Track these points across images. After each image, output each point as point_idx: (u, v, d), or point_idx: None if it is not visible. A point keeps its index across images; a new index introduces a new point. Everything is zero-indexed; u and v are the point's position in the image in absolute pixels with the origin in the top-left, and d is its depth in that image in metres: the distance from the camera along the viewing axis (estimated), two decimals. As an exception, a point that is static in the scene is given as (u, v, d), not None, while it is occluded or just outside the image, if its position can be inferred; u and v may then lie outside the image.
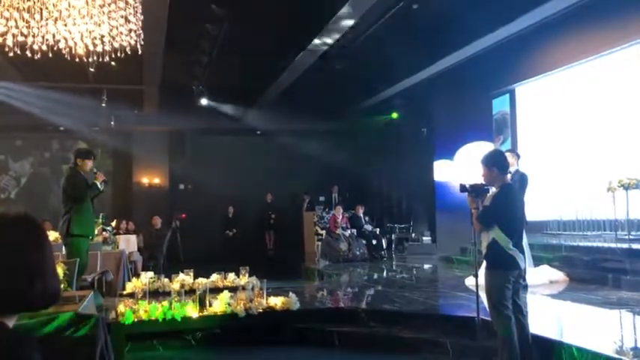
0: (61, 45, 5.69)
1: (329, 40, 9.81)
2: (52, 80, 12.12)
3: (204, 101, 13.66)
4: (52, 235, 8.75)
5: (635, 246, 7.36)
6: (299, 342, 5.90)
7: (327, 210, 13.85)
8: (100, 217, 9.76)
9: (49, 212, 12.19)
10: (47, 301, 1.28)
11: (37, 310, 1.29)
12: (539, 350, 4.40)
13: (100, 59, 6.04)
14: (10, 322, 1.24)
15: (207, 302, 6.03)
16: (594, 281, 7.27)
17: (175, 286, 7.09)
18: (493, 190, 4.28)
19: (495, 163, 4.27)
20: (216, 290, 6.71)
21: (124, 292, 7.30)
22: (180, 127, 15.46)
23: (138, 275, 8.45)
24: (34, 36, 5.57)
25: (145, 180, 15.83)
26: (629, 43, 8.86)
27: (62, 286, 3.99)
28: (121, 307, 5.90)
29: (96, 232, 9.09)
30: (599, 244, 8.01)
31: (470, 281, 7.60)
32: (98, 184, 6.40)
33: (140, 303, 6.02)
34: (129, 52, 6.04)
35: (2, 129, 14.37)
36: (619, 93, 9.34)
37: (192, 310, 5.89)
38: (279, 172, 15.14)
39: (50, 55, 5.70)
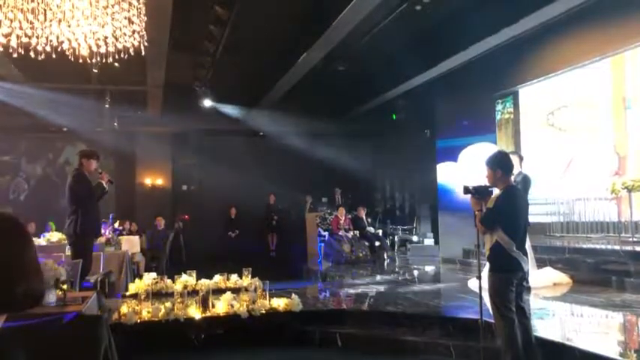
0: (65, 46, 5.70)
1: (332, 42, 9.79)
2: (55, 81, 12.14)
3: (207, 102, 13.68)
4: (57, 236, 8.81)
5: (638, 248, 7.35)
6: (301, 343, 5.90)
7: (329, 211, 13.85)
8: (110, 217, 9.81)
9: (55, 213, 12.17)
10: (29, 302, 1.25)
11: (20, 310, 1.24)
12: (543, 352, 4.39)
13: (104, 60, 6.05)
14: None
15: (210, 303, 6.04)
16: (598, 283, 7.25)
17: (178, 287, 7.10)
18: (496, 191, 4.27)
19: (499, 164, 4.27)
20: (219, 291, 6.73)
21: (127, 293, 7.31)
22: (183, 128, 15.47)
23: (141, 276, 8.47)
24: (37, 37, 5.57)
25: (148, 181, 15.85)
26: (633, 44, 8.84)
27: (66, 286, 3.99)
28: (125, 308, 5.92)
29: (107, 232, 9.15)
30: (603, 247, 7.99)
31: (473, 283, 7.60)
32: (104, 184, 6.43)
33: (143, 304, 6.04)
34: (132, 54, 6.05)
35: (7, 130, 14.39)
36: (623, 95, 9.33)
37: (195, 311, 5.91)
38: (282, 173, 15.14)
39: (54, 56, 5.71)
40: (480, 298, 4.40)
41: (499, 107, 12.24)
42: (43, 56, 5.65)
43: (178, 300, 6.11)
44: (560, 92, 10.65)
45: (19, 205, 14.87)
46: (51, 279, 3.75)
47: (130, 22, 5.78)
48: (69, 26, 5.56)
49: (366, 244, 12.22)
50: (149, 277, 7.77)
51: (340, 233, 12.18)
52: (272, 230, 15.45)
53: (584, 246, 8.30)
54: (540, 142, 11.10)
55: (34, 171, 15.56)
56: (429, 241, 13.48)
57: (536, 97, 11.30)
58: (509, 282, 4.08)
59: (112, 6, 5.61)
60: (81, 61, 6.03)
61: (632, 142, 9.11)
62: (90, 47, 5.80)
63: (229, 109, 14.72)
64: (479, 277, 4.47)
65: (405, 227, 14.69)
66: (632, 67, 9.12)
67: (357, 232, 12.43)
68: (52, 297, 3.81)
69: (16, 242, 1.26)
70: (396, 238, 14.08)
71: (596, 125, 9.83)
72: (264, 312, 6.01)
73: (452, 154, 12.70)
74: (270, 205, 15.48)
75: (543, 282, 7.37)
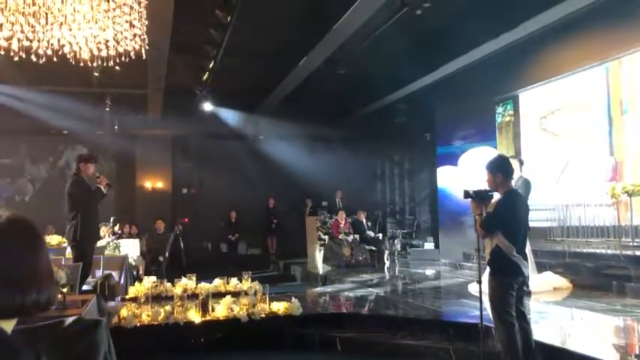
0: (66, 49, 5.70)
1: (333, 45, 9.81)
2: (56, 84, 12.16)
3: (208, 106, 13.69)
4: (56, 240, 8.82)
5: (639, 253, 7.34)
6: (301, 347, 5.90)
7: (330, 215, 13.84)
8: (111, 220, 9.79)
9: (58, 215, 12.14)
10: (41, 307, 1.24)
11: (31, 315, 1.24)
12: (543, 357, 4.39)
13: (105, 64, 6.06)
14: (9, 326, 1.21)
15: (210, 307, 6.04)
16: (598, 288, 7.25)
17: (178, 290, 7.10)
18: (497, 196, 4.27)
19: (500, 168, 4.27)
20: (218, 295, 6.73)
21: (127, 297, 7.31)
22: (184, 131, 15.49)
23: (140, 280, 8.46)
24: (39, 40, 5.58)
25: (148, 184, 15.85)
26: (633, 49, 8.86)
27: (66, 290, 3.99)
28: (124, 312, 5.91)
29: (107, 236, 9.16)
30: (603, 251, 7.98)
31: (473, 287, 7.59)
32: (102, 188, 6.42)
33: (143, 307, 6.03)
34: (133, 57, 6.05)
35: (7, 133, 14.40)
36: (623, 99, 9.34)
37: (194, 315, 5.90)
38: (282, 176, 15.15)
39: (55, 59, 5.72)
40: (480, 302, 4.39)
41: (499, 110, 12.25)
42: (44, 60, 5.66)
43: (178, 303, 6.10)
44: (558, 96, 10.65)
45: (23, 207, 14.83)
46: (51, 282, 3.75)
47: (131, 25, 5.78)
48: (70, 30, 5.57)
49: (366, 247, 12.21)
50: (149, 281, 7.77)
51: (340, 237, 12.17)
52: (272, 234, 15.44)
53: (585, 250, 8.28)
54: (539, 146, 11.10)
55: (39, 173, 15.54)
56: (429, 245, 13.46)
57: (537, 101, 11.31)
58: (509, 286, 4.08)
59: (113, 10, 5.62)
60: (82, 64, 6.04)
61: (629, 146, 9.12)
62: (91, 51, 5.80)
63: (230, 113, 14.74)
64: (479, 282, 4.47)
65: (405, 231, 14.68)
66: (630, 70, 9.13)
67: (357, 236, 12.42)
68: (51, 300, 3.80)
69: (30, 246, 1.24)
70: (396, 242, 14.06)
71: (593, 129, 9.83)
72: (263, 316, 6.00)
73: (452, 158, 12.71)
74: (270, 208, 15.48)
75: (543, 286, 7.37)
